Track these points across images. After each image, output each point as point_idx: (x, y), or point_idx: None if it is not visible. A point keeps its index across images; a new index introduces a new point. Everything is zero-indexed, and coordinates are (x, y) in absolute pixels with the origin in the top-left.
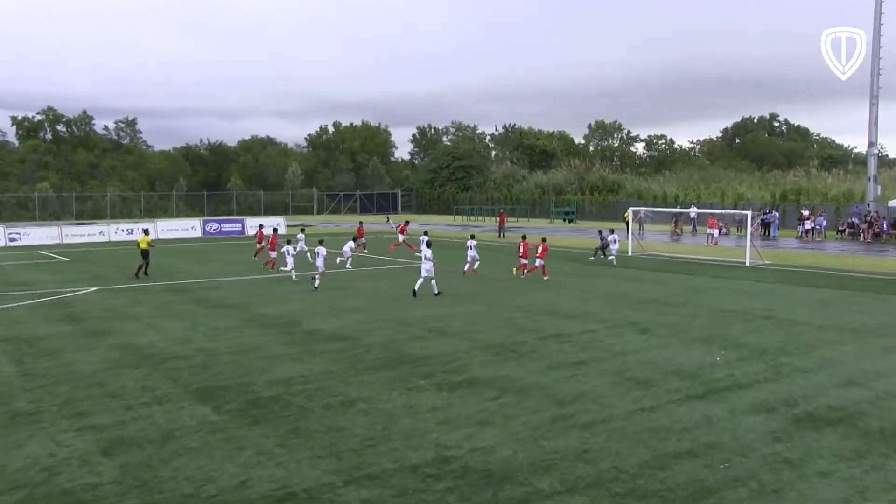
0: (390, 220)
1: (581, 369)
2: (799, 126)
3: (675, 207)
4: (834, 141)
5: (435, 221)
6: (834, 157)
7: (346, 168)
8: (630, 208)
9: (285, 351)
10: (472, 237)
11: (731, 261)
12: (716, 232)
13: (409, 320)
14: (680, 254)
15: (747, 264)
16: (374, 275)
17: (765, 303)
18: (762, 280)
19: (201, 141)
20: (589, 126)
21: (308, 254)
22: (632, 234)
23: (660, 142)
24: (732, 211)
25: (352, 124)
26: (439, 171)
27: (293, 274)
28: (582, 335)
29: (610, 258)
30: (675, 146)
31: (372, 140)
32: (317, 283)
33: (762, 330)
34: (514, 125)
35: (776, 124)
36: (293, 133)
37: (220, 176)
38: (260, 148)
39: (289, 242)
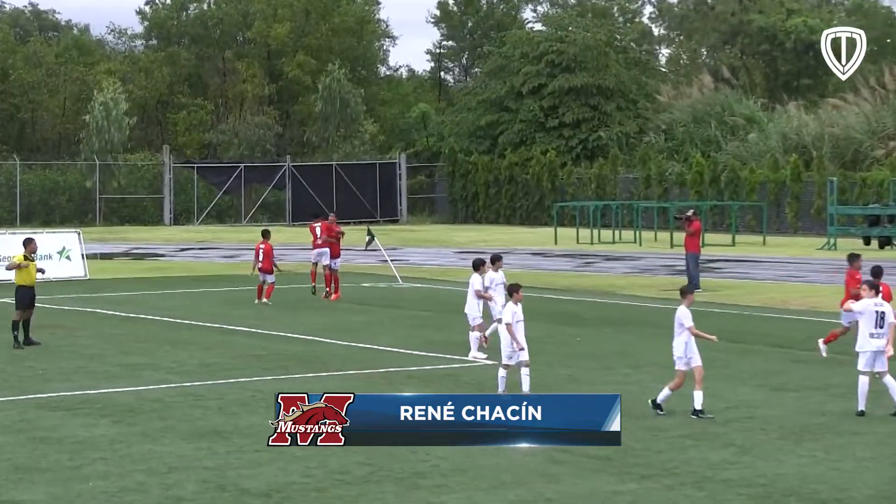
0: (375, 239)
1: None
2: None
3: None
4: None
5: (496, 245)
6: None
7: (254, 96)
8: None
9: None
10: None
11: None
12: None
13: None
14: None
15: None
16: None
17: None
18: None
19: None
20: None
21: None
22: None
23: None
24: None
25: None
26: (513, 106)
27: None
28: None
29: None
30: None
31: (325, 21)
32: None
33: None
34: None
35: None
36: (102, 2)
37: None
38: (7, 42)
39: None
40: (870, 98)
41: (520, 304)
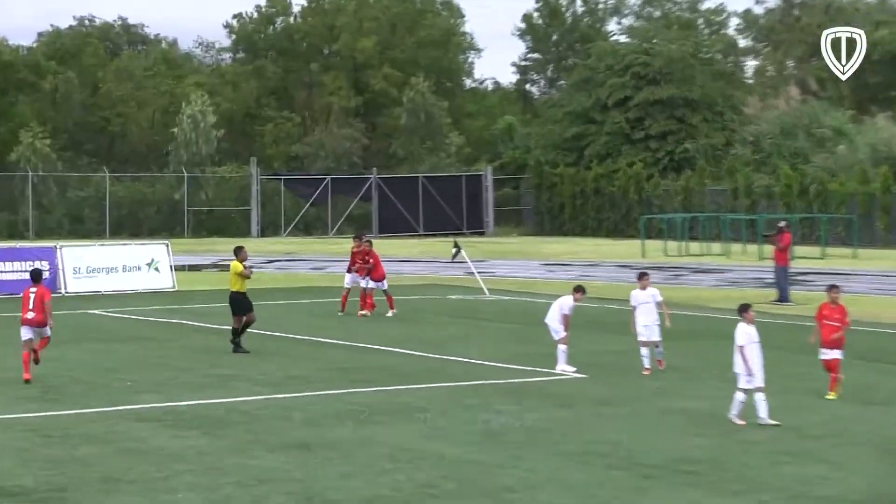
0: (462, 251)
1: None
2: None
3: None
4: None
5: (583, 258)
6: None
7: (340, 108)
8: None
9: None
10: None
11: None
12: None
13: None
14: None
15: None
16: None
17: None
18: None
19: None
20: None
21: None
22: None
23: None
24: None
25: None
26: (599, 118)
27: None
28: None
29: None
30: None
31: (411, 34)
32: None
33: None
34: None
35: None
36: (190, 15)
37: None
38: (97, 56)
39: None
40: None
41: (753, 325)
